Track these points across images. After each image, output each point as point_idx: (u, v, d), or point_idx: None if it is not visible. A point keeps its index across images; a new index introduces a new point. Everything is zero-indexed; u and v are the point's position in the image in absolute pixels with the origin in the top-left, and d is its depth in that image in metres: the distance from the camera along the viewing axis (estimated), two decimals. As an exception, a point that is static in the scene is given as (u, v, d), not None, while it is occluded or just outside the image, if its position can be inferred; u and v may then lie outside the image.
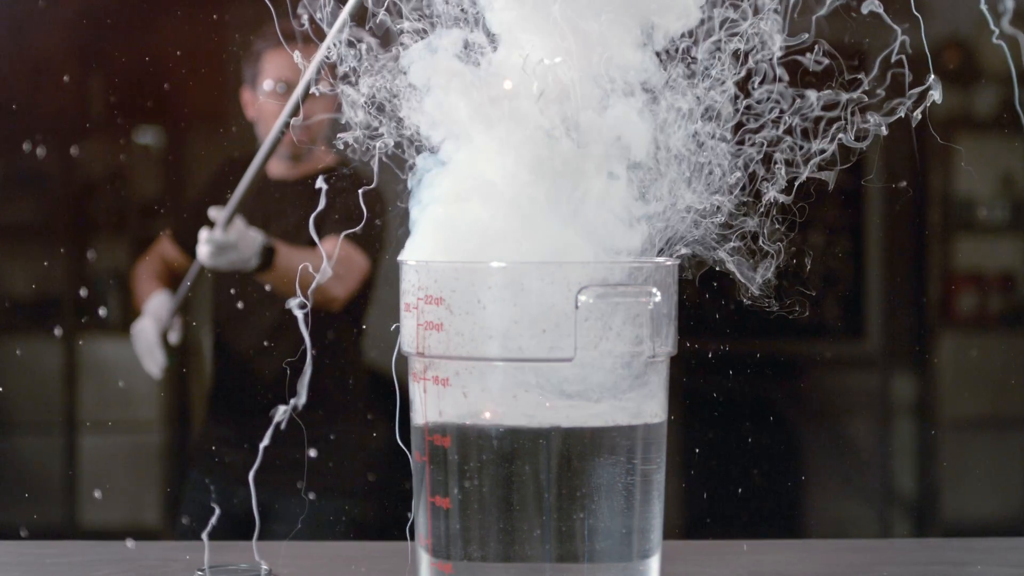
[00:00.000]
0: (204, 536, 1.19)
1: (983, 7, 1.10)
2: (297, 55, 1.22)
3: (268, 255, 2.66)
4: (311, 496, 2.91)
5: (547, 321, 1.08)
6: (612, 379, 1.10)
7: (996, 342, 4.19)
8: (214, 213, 2.58)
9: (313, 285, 1.16)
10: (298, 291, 1.13)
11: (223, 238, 2.58)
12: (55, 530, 3.92)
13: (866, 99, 1.15)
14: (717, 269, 1.20)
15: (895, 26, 1.13)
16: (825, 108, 1.16)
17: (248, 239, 2.63)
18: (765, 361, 3.60)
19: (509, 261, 1.09)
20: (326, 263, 1.18)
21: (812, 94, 1.15)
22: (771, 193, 1.17)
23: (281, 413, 1.11)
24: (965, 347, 4.13)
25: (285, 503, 2.79)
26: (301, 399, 1.12)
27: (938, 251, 4.17)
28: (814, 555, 1.49)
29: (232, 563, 1.31)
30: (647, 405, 1.13)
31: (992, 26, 1.08)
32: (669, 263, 1.15)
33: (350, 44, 1.17)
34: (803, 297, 1.21)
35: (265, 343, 2.89)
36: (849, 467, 4.08)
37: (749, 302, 1.20)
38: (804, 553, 1.51)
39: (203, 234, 2.60)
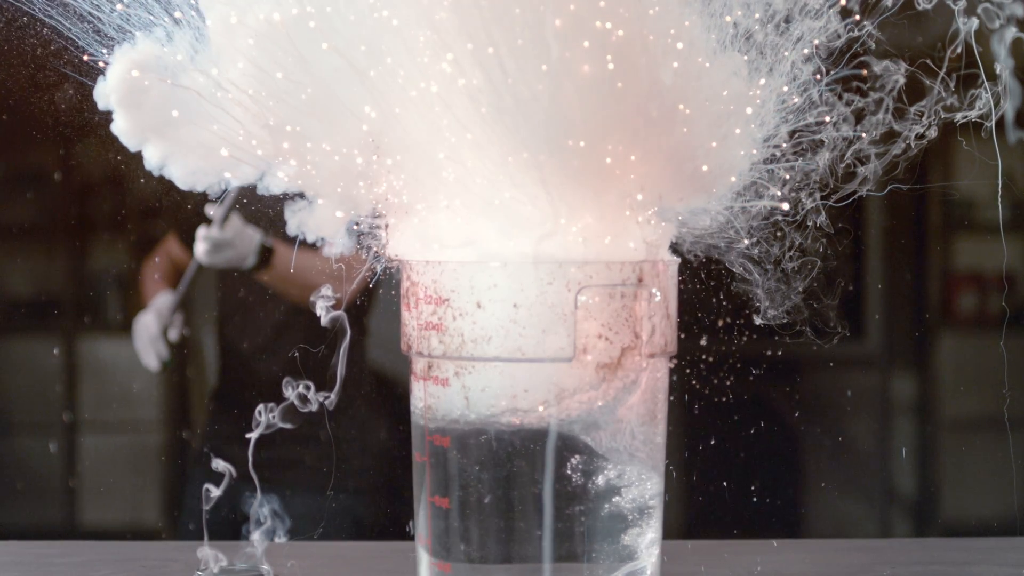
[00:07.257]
0: (204, 536, 1.19)
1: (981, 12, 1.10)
2: None
3: (266, 254, 2.65)
4: (330, 493, 2.90)
5: (547, 321, 1.08)
6: (611, 379, 1.10)
7: (996, 342, 4.18)
8: (211, 210, 2.58)
9: (351, 286, 1.17)
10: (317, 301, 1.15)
11: (220, 235, 2.58)
12: (55, 530, 3.92)
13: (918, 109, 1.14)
14: (732, 289, 1.19)
15: (960, 21, 1.12)
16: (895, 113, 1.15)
17: (245, 237, 2.62)
18: (765, 361, 3.60)
19: (509, 261, 1.09)
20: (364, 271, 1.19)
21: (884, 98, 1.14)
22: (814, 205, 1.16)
23: (256, 431, 1.13)
24: (965, 347, 4.12)
25: (287, 504, 2.78)
26: (331, 400, 1.13)
27: (938, 251, 4.16)
28: (814, 555, 1.49)
29: (232, 563, 1.31)
30: (646, 405, 1.13)
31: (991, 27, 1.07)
32: (669, 263, 1.15)
33: None
34: (832, 328, 1.20)
35: (269, 341, 2.89)
36: (849, 467, 4.08)
37: (766, 323, 1.19)
38: (804, 553, 1.51)
39: (201, 231, 2.60)
